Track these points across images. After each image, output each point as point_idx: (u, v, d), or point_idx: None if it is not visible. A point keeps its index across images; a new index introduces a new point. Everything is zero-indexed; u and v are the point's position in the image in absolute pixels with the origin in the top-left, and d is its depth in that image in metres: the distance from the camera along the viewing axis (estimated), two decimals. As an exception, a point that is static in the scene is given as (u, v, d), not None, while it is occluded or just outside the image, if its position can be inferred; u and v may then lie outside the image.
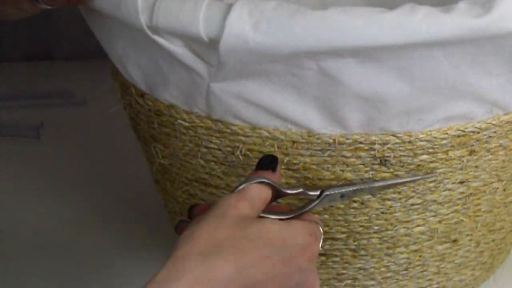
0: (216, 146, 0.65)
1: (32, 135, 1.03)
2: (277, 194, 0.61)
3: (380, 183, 0.65)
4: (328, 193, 0.63)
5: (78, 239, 0.86)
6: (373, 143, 0.62)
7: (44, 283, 0.80)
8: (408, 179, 0.65)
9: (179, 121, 0.65)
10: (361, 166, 0.63)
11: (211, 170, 0.67)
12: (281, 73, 0.59)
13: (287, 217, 0.60)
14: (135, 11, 0.59)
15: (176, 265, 0.53)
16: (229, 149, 0.64)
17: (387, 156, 0.62)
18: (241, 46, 0.56)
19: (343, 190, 0.64)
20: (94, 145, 1.00)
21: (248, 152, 0.64)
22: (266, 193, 0.60)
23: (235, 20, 0.56)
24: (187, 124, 0.65)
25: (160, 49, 0.60)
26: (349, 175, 0.64)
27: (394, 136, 0.62)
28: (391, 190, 0.65)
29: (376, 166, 0.63)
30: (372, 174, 0.63)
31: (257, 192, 0.59)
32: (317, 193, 0.63)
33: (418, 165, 0.63)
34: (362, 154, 0.63)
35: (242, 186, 0.59)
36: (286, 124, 0.62)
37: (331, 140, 0.62)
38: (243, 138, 0.63)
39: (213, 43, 0.57)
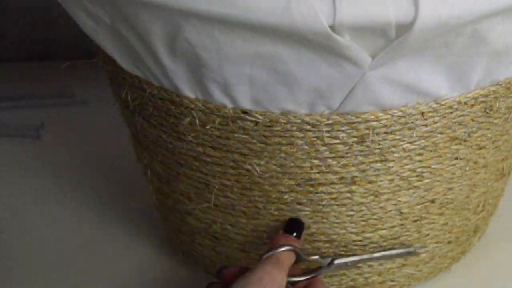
0: (338, 141, 0.64)
1: (32, 135, 1.03)
2: (297, 259, 0.67)
3: (380, 254, 0.72)
4: (337, 262, 0.71)
5: (79, 239, 0.86)
6: (487, 94, 0.65)
7: (45, 283, 0.80)
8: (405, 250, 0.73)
9: (297, 127, 0.63)
10: (481, 117, 0.67)
11: (326, 168, 0.66)
12: (437, 45, 0.59)
13: (300, 279, 0.68)
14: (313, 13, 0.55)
15: None
16: (355, 139, 0.64)
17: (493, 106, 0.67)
18: (433, 24, 0.56)
19: (349, 260, 0.72)
20: (94, 145, 1.00)
21: (375, 136, 0.64)
22: (293, 259, 0.66)
23: None
24: (308, 127, 0.63)
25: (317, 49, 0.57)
26: (461, 132, 0.67)
27: (498, 85, 0.65)
28: None
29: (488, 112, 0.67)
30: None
31: (288, 259, 0.65)
32: (329, 261, 0.71)
33: None
34: (478, 107, 0.65)
35: (273, 252, 0.65)
36: (416, 98, 0.62)
37: (455, 103, 0.64)
38: (374, 124, 0.63)
39: (399, 28, 0.56)
